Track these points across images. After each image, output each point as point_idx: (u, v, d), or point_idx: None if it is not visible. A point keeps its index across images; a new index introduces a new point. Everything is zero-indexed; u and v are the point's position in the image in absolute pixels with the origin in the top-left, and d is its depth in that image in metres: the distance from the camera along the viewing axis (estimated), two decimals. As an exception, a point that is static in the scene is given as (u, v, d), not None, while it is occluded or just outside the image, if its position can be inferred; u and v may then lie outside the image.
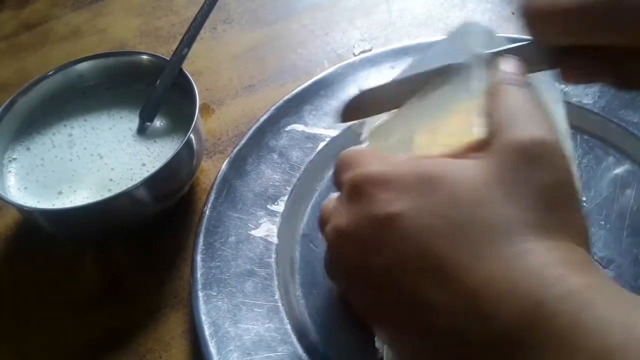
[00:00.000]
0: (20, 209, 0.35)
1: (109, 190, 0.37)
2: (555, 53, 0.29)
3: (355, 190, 0.25)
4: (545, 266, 0.20)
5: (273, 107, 0.43)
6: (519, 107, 0.24)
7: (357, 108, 0.30)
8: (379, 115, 0.30)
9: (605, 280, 0.21)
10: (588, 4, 0.26)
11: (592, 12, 0.26)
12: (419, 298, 0.22)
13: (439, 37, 0.48)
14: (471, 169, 0.23)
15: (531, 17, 0.28)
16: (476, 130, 0.25)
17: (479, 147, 0.24)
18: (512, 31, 0.50)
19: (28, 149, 0.39)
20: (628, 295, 0.20)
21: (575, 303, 0.19)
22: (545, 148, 0.23)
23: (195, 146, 0.37)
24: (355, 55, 0.50)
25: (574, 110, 0.41)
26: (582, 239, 0.22)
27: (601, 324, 0.18)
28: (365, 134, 0.33)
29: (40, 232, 0.36)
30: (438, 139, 0.28)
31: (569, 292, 0.19)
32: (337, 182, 0.27)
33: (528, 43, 0.29)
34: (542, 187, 0.22)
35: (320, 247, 0.37)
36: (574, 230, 0.22)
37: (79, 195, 0.37)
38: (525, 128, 0.23)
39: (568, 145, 0.28)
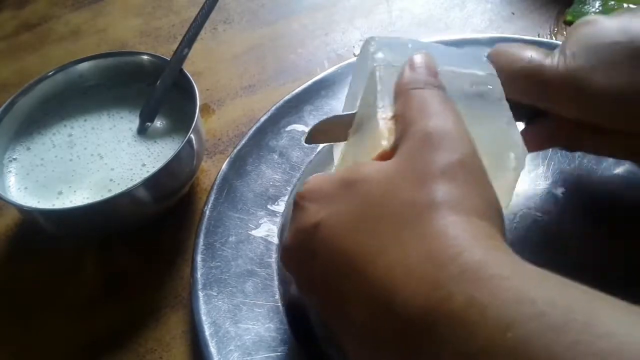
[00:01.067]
0: (20, 209, 0.35)
1: (109, 190, 0.37)
2: (525, 111, 0.31)
3: (294, 207, 0.27)
4: (442, 247, 0.20)
5: (273, 107, 0.43)
6: (424, 106, 0.25)
7: (321, 133, 0.32)
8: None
9: (506, 252, 0.21)
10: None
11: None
12: (342, 295, 0.23)
13: (438, 37, 0.48)
14: (384, 166, 0.24)
15: (505, 75, 0.30)
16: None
17: (393, 149, 0.25)
18: (512, 32, 0.50)
19: (28, 149, 0.39)
20: (528, 267, 0.20)
21: (469, 282, 0.19)
22: (446, 133, 0.24)
23: (195, 146, 0.37)
24: (355, 55, 0.50)
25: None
26: (493, 213, 0.23)
27: (497, 299, 0.18)
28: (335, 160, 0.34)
29: (40, 232, 0.36)
30: None
31: (463, 270, 0.19)
32: None
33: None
34: (445, 165, 0.23)
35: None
36: (485, 204, 0.23)
37: (79, 196, 0.37)
38: (428, 120, 0.24)
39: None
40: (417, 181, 0.23)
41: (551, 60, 0.30)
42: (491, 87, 0.29)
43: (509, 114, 0.29)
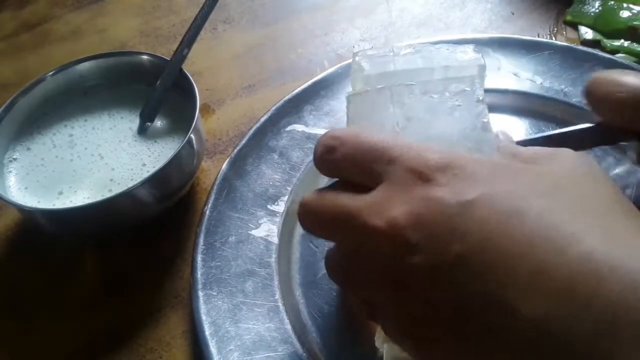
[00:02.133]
0: (21, 209, 0.35)
1: (110, 190, 0.37)
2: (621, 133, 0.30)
3: (420, 176, 0.23)
4: None
5: (273, 107, 0.43)
6: None
7: None
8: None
9: None
10: None
11: None
12: (500, 283, 0.20)
13: (438, 37, 0.48)
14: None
15: (598, 105, 0.29)
16: None
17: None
18: (512, 31, 0.50)
19: (28, 149, 0.39)
20: None
21: None
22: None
23: (195, 146, 0.37)
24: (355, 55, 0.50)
25: (574, 111, 0.41)
26: None
27: None
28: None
29: (41, 232, 0.37)
30: None
31: None
32: (362, 171, 0.25)
33: (594, 126, 0.30)
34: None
35: (321, 247, 0.37)
36: None
37: (80, 196, 0.37)
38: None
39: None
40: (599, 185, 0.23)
41: None
42: (469, 89, 0.29)
43: (486, 118, 0.28)
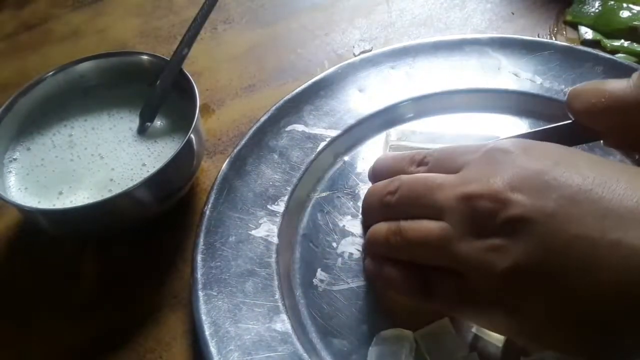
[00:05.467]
0: (21, 209, 0.35)
1: (110, 190, 0.37)
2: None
3: (503, 152, 0.28)
4: None
5: (273, 107, 0.43)
6: None
7: None
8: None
9: None
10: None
11: None
12: (601, 237, 0.23)
13: (438, 37, 0.48)
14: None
15: (581, 117, 0.32)
16: None
17: None
18: (512, 31, 0.50)
19: (28, 149, 0.39)
20: None
21: None
22: None
23: (195, 146, 0.37)
24: (355, 55, 0.50)
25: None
26: None
27: None
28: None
29: (41, 232, 0.36)
30: None
31: None
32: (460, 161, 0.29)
33: (570, 123, 0.32)
34: None
35: (320, 247, 0.37)
36: None
37: (80, 196, 0.37)
38: None
39: None
40: None
41: (628, 85, 0.30)
42: None
43: None
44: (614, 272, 0.22)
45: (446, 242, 0.27)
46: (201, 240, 0.36)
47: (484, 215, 0.26)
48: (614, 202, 0.23)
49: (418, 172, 0.31)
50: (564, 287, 0.23)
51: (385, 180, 0.32)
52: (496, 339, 0.31)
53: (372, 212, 0.33)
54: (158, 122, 0.41)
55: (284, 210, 0.38)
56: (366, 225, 0.35)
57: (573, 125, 0.33)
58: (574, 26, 0.50)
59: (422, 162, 0.32)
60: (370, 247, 0.33)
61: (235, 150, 0.41)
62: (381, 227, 0.31)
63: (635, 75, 0.31)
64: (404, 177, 0.31)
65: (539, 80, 0.43)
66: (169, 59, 0.40)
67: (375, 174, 0.34)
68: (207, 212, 0.38)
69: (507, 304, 0.25)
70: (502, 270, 0.25)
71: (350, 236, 0.37)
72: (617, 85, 0.31)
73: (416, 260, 0.29)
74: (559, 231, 0.24)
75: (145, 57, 0.41)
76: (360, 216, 0.38)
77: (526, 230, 0.24)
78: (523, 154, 0.27)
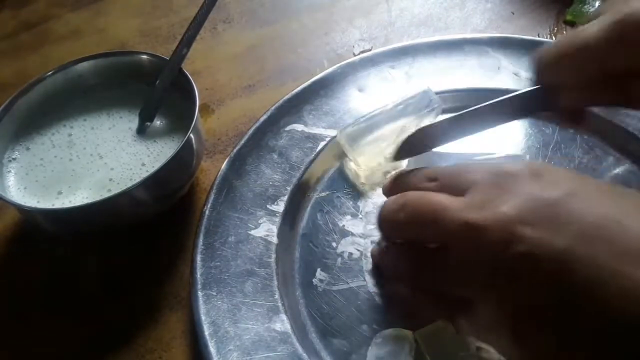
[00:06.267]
0: (20, 208, 0.35)
1: (109, 190, 0.37)
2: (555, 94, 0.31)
3: (512, 175, 0.26)
4: None
5: (273, 107, 0.43)
6: None
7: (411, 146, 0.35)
8: None
9: None
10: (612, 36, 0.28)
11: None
12: (610, 281, 0.22)
13: (438, 37, 0.48)
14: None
15: (550, 70, 0.30)
16: None
17: None
18: (512, 31, 0.50)
19: (28, 148, 0.39)
20: None
21: None
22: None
23: (195, 146, 0.37)
24: (355, 55, 0.50)
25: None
26: None
27: None
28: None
29: (40, 232, 0.37)
30: None
31: None
32: (464, 182, 0.28)
33: (534, 89, 0.32)
34: None
35: (320, 247, 0.37)
36: None
37: (79, 195, 0.37)
38: None
39: None
40: None
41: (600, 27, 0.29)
42: None
43: None
44: (625, 316, 0.21)
45: (456, 279, 0.27)
46: (201, 240, 0.36)
47: (491, 249, 0.25)
48: (632, 241, 0.22)
49: (428, 187, 0.30)
50: (571, 328, 0.23)
51: (395, 196, 0.31)
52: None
53: (385, 225, 0.32)
54: (157, 122, 0.40)
55: (284, 210, 0.38)
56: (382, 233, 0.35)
57: (532, 93, 0.31)
58: (574, 26, 0.50)
59: (431, 177, 0.31)
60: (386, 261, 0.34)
61: (235, 150, 0.41)
62: (397, 256, 0.32)
63: (603, 17, 0.29)
64: (410, 194, 0.30)
65: (538, 80, 0.43)
66: (168, 58, 0.40)
67: (393, 188, 0.34)
68: (207, 212, 0.38)
69: (509, 336, 0.25)
70: (507, 306, 0.24)
71: (349, 236, 0.37)
72: (589, 30, 0.29)
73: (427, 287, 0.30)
74: (569, 272, 0.22)
75: (144, 56, 0.41)
76: (361, 217, 0.38)
77: (534, 268, 0.23)
78: (533, 180, 0.26)
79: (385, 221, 0.31)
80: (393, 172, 0.38)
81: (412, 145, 0.35)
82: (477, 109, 0.33)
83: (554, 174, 0.26)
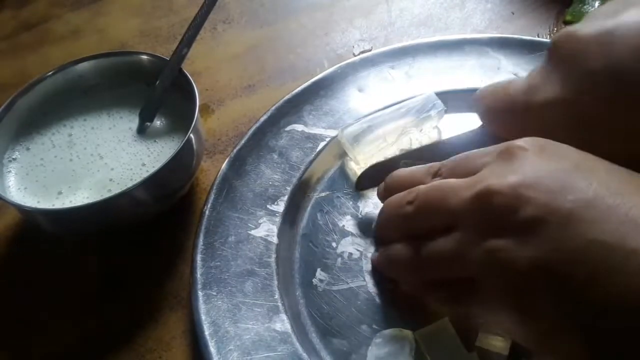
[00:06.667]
0: (20, 209, 0.35)
1: (109, 190, 0.37)
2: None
3: (519, 149, 0.27)
4: None
5: (273, 107, 0.43)
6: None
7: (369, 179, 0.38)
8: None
9: None
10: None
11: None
12: (616, 244, 0.22)
13: (438, 37, 0.48)
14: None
15: (484, 119, 0.33)
16: None
17: None
18: (512, 31, 0.50)
19: (28, 149, 0.39)
20: None
21: None
22: None
23: (195, 146, 0.37)
24: (355, 55, 0.50)
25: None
26: None
27: None
28: None
29: (40, 232, 0.36)
30: None
31: None
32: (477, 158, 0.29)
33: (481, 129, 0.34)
34: None
35: (320, 247, 0.37)
36: None
37: (79, 196, 0.37)
38: None
39: None
40: None
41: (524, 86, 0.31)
42: None
43: None
44: (629, 279, 0.22)
45: (460, 257, 0.27)
46: (201, 240, 0.36)
47: (499, 212, 0.25)
48: (633, 210, 0.23)
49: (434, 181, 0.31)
50: (575, 291, 0.23)
51: (402, 192, 0.31)
52: (500, 347, 0.30)
53: (390, 224, 0.33)
54: (158, 122, 0.41)
55: (284, 210, 0.38)
56: (380, 236, 0.36)
57: (483, 130, 0.33)
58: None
59: (437, 173, 0.31)
60: (388, 265, 0.34)
61: (235, 150, 0.41)
62: (400, 252, 0.31)
63: (529, 75, 0.31)
64: (422, 187, 0.30)
65: (538, 80, 0.43)
66: (168, 58, 0.40)
67: (391, 188, 0.34)
68: (207, 212, 0.38)
69: (516, 305, 0.25)
70: (514, 271, 0.24)
71: (349, 236, 0.37)
72: (512, 86, 0.31)
73: (434, 278, 0.30)
74: (574, 234, 0.23)
75: (144, 56, 0.41)
76: (360, 217, 0.38)
77: (541, 232, 0.24)
78: (540, 152, 0.26)
79: (390, 218, 0.31)
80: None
81: (371, 178, 0.38)
82: (434, 144, 0.36)
83: (560, 148, 0.27)
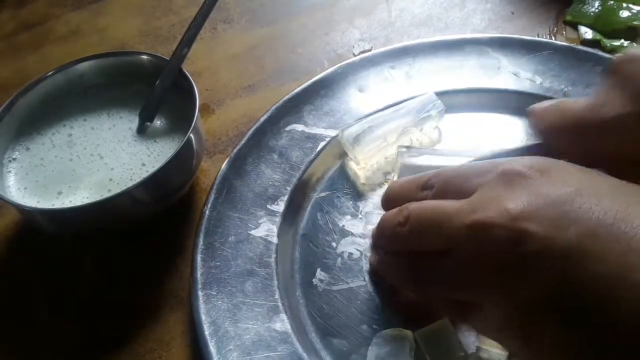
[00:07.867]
0: (20, 209, 0.35)
1: (109, 190, 0.37)
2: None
3: (519, 174, 0.26)
4: None
5: (273, 107, 0.43)
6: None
7: None
8: None
9: None
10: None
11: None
12: (619, 276, 0.22)
13: (438, 37, 0.48)
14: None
15: (543, 131, 0.32)
16: None
17: None
18: (512, 31, 0.50)
19: (28, 149, 0.39)
20: None
21: None
22: None
23: (195, 146, 0.37)
24: (355, 55, 0.50)
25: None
26: None
27: None
28: None
29: (40, 232, 0.36)
30: None
31: None
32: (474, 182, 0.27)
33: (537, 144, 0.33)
34: None
35: (320, 247, 0.37)
36: None
37: (79, 195, 0.37)
38: None
39: None
40: None
41: (598, 108, 0.30)
42: None
43: None
44: (633, 313, 0.21)
45: (459, 285, 0.26)
46: (201, 240, 0.36)
47: (497, 247, 0.24)
48: (636, 238, 0.22)
49: (425, 196, 0.30)
50: (579, 325, 0.22)
51: (395, 209, 0.30)
52: (500, 347, 0.30)
53: (385, 239, 0.32)
54: (158, 122, 0.40)
55: (284, 210, 0.38)
56: (375, 245, 0.35)
57: (542, 145, 0.32)
58: (574, 26, 0.50)
59: (426, 185, 0.30)
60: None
61: (235, 150, 0.41)
62: (397, 264, 0.31)
63: (592, 95, 0.30)
64: (412, 205, 0.29)
65: (538, 80, 0.43)
66: (168, 58, 0.40)
67: (388, 201, 0.33)
68: (207, 211, 0.38)
69: (519, 334, 0.25)
70: (515, 304, 0.24)
71: (349, 236, 0.37)
72: (576, 106, 0.30)
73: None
74: (577, 268, 0.22)
75: (145, 57, 0.41)
76: (360, 217, 0.38)
77: (542, 266, 0.23)
78: (541, 177, 0.25)
79: (387, 236, 0.31)
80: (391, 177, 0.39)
81: None
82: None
83: (562, 171, 0.26)
